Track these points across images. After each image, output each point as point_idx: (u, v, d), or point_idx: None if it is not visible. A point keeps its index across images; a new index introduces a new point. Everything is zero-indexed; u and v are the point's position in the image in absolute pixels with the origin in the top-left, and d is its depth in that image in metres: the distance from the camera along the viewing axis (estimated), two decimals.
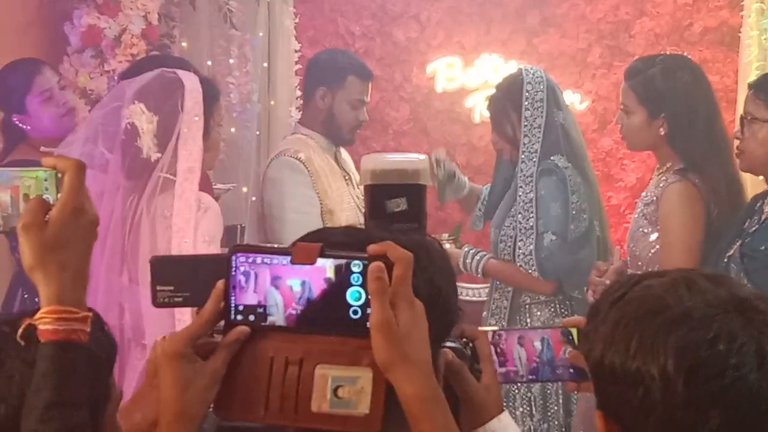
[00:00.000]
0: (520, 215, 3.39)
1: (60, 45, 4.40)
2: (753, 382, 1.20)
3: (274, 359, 1.10)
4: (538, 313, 3.47)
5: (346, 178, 3.67)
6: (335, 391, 1.08)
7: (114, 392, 1.33)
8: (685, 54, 4.11)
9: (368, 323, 1.08)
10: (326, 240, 1.16)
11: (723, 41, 5.05)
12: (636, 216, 3.19)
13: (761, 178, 2.97)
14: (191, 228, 2.58)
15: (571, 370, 1.64)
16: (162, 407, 1.14)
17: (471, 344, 1.39)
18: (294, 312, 1.10)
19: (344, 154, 3.76)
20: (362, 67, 3.69)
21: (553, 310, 3.46)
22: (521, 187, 3.40)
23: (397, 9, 5.25)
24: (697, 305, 1.24)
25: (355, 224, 1.33)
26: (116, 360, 1.37)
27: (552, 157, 3.40)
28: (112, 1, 4.36)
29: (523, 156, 3.41)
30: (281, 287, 1.10)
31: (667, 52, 4.86)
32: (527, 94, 3.42)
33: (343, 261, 1.09)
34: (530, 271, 3.36)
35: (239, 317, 1.12)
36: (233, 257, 1.11)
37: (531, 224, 3.36)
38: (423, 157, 1.46)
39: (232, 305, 1.12)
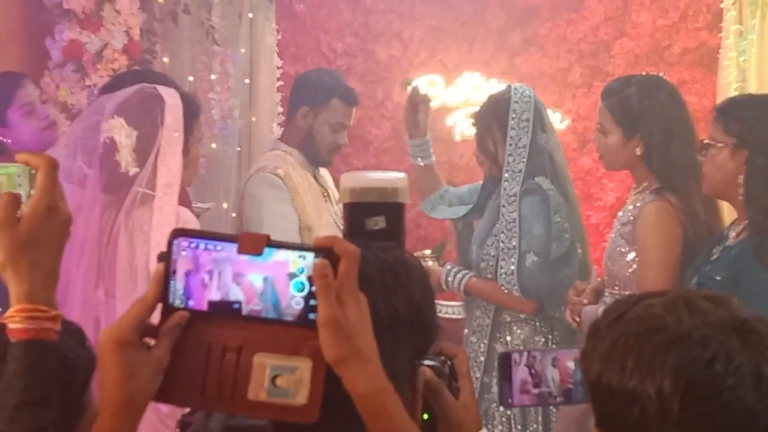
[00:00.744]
0: (502, 234, 3.39)
1: (41, 59, 4.40)
2: (749, 403, 1.20)
3: (212, 345, 1.09)
4: (518, 331, 3.47)
5: (325, 194, 3.67)
6: (273, 380, 1.08)
7: (91, 406, 1.33)
8: (662, 75, 4.14)
9: (310, 315, 1.07)
10: None
11: (702, 62, 5.09)
12: (613, 235, 3.20)
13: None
14: None
15: None
16: (106, 396, 1.11)
17: (449, 362, 1.39)
18: (256, 308, 1.09)
19: (323, 171, 3.76)
20: (348, 92, 3.68)
21: (533, 328, 3.47)
22: (504, 206, 3.40)
23: (379, 27, 5.27)
24: (696, 326, 1.24)
25: None
26: (93, 376, 1.35)
27: (536, 178, 3.41)
28: (94, 16, 4.36)
29: (506, 175, 3.41)
30: (242, 283, 1.09)
31: (646, 73, 4.92)
32: (514, 113, 3.42)
33: (288, 252, 1.08)
34: (512, 290, 3.36)
35: (177, 302, 1.10)
36: (174, 241, 1.10)
37: (514, 244, 3.37)
38: (402, 175, 1.46)
39: (171, 289, 1.10)
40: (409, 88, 3.72)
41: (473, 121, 3.62)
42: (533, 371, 1.63)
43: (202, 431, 1.35)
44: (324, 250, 1.08)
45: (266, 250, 1.08)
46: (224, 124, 4.85)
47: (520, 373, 1.68)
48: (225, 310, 1.09)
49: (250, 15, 4.93)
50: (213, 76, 4.88)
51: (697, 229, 2.97)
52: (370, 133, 5.28)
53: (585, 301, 3.15)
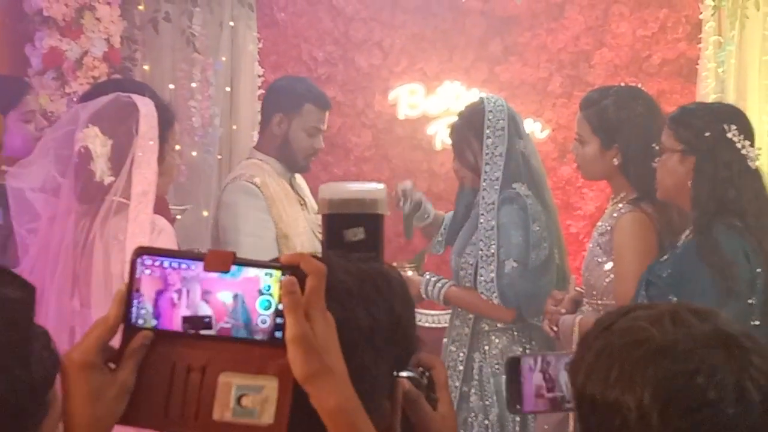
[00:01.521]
0: (481, 242, 3.40)
1: (21, 66, 4.38)
2: (730, 417, 1.21)
3: (175, 365, 1.07)
4: (497, 340, 3.48)
5: (302, 203, 3.67)
6: (239, 399, 1.06)
7: (54, 407, 1.31)
8: (640, 86, 4.16)
9: (276, 333, 1.06)
10: None
11: (681, 73, 5.12)
12: (591, 245, 3.22)
13: None
14: None
15: None
16: (70, 420, 1.09)
17: (427, 373, 1.39)
18: (226, 326, 1.07)
19: (299, 179, 3.77)
20: (320, 96, 3.70)
21: (511, 337, 3.48)
22: (483, 214, 3.42)
23: (360, 35, 5.27)
24: (680, 338, 1.25)
25: (313, 251, 1.33)
26: (56, 378, 1.34)
27: (513, 185, 3.42)
28: (74, 24, 4.35)
29: (484, 184, 3.43)
30: (211, 301, 1.07)
31: (626, 83, 4.95)
32: (489, 122, 3.44)
33: (254, 269, 1.07)
34: (491, 298, 3.37)
35: (140, 321, 1.08)
36: (138, 260, 1.08)
37: (492, 251, 3.38)
38: (381, 186, 1.47)
39: (134, 309, 1.08)
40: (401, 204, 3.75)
41: (450, 135, 3.63)
42: (547, 376, 1.63)
43: None
44: (291, 268, 1.07)
45: (233, 267, 1.07)
46: (205, 132, 4.85)
47: (535, 379, 1.68)
48: (190, 329, 1.07)
49: (231, 23, 4.93)
50: (193, 84, 4.87)
51: (672, 239, 2.99)
52: (350, 142, 5.29)
53: (563, 311, 3.17)
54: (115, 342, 1.10)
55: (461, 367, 3.49)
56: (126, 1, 4.62)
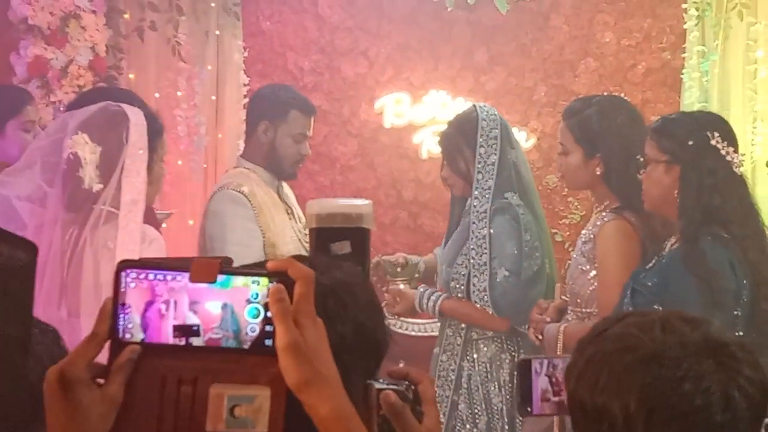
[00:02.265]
0: (473, 251, 3.40)
1: (5, 75, 4.38)
2: (717, 425, 1.22)
3: (166, 378, 1.05)
4: (485, 348, 3.48)
5: (289, 212, 3.67)
6: (232, 410, 1.04)
7: None
8: (623, 95, 4.19)
9: (266, 341, 1.05)
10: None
11: (665, 82, 5.15)
12: (575, 254, 3.22)
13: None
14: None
15: None
16: None
17: (414, 387, 1.40)
18: (215, 336, 1.05)
19: (286, 188, 3.76)
20: (305, 102, 3.69)
21: (499, 346, 3.48)
22: (474, 223, 3.42)
23: (345, 45, 5.28)
24: (669, 346, 1.26)
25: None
26: None
27: (506, 195, 3.42)
28: (59, 32, 4.35)
29: (476, 192, 3.43)
30: (199, 311, 1.05)
31: (610, 92, 4.98)
32: (482, 130, 3.44)
33: (242, 278, 1.06)
34: (485, 307, 3.38)
35: (127, 335, 1.06)
36: (122, 273, 1.06)
37: (484, 261, 3.38)
38: (367, 202, 1.48)
39: (120, 323, 1.06)
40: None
41: (440, 142, 3.63)
42: (553, 380, 1.63)
43: None
44: (278, 274, 1.06)
45: (219, 276, 1.05)
46: (190, 140, 4.85)
47: (541, 382, 1.69)
48: (179, 337, 1.06)
49: (217, 32, 4.95)
50: (179, 93, 4.88)
51: (656, 247, 3.00)
52: (336, 151, 5.29)
53: (548, 319, 3.17)
54: (102, 358, 1.09)
55: (453, 377, 3.49)
56: (111, 9, 4.62)
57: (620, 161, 3.07)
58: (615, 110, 3.19)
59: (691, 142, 2.81)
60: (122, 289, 1.06)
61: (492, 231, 3.38)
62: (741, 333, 2.66)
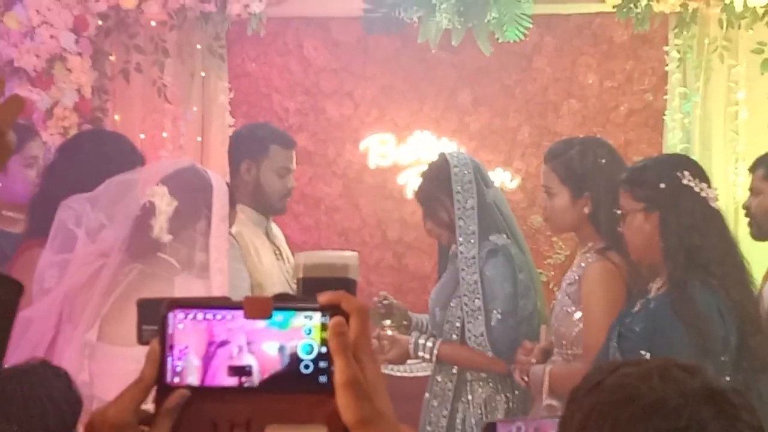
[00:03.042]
0: (466, 297, 3.38)
1: None
2: None
3: (217, 422, 1.01)
4: (480, 390, 3.46)
5: (277, 252, 3.67)
6: None
7: None
8: (599, 136, 4.22)
9: (321, 378, 1.00)
10: None
11: (648, 123, 5.19)
12: (560, 296, 3.22)
13: None
14: None
15: None
16: None
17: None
18: (270, 375, 1.01)
19: (275, 228, 3.77)
20: (283, 136, 3.72)
21: (494, 387, 3.47)
22: (464, 269, 3.40)
23: (331, 86, 5.31)
24: (669, 395, 1.26)
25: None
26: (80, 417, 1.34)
27: (490, 237, 3.42)
28: (45, 74, 4.37)
29: (461, 239, 3.41)
30: (256, 352, 1.01)
31: (593, 133, 5.02)
32: (455, 177, 3.44)
33: (299, 316, 1.02)
34: (485, 351, 3.37)
35: (176, 379, 1.02)
36: (169, 314, 1.02)
37: (478, 305, 3.37)
38: (353, 253, 1.49)
39: (168, 367, 1.02)
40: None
41: (417, 196, 3.62)
42: None
43: None
44: (332, 308, 1.02)
45: (292, 320, 1.01)
46: None
47: None
48: (233, 377, 1.02)
49: (203, 74, 4.96)
50: (164, 134, 4.89)
51: (640, 288, 3.01)
52: (321, 191, 5.30)
53: (533, 360, 3.17)
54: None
55: (444, 423, 3.47)
56: (97, 51, 4.64)
57: (607, 200, 3.08)
58: (599, 149, 3.22)
59: (663, 185, 2.83)
60: (170, 332, 1.02)
61: (487, 274, 3.38)
62: (728, 378, 2.66)
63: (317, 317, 1.02)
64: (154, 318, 1.23)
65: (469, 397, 3.47)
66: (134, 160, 3.12)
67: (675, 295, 2.74)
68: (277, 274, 3.57)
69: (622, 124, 5.21)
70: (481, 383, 3.47)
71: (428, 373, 3.65)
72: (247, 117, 5.23)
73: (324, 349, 1.01)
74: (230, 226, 2.95)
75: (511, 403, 3.46)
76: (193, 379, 1.02)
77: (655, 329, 2.74)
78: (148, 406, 1.04)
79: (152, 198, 2.67)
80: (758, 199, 3.59)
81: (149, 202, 2.68)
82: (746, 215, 3.62)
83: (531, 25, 4.71)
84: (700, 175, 2.89)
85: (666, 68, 4.94)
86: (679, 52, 4.82)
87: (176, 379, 1.02)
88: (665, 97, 4.95)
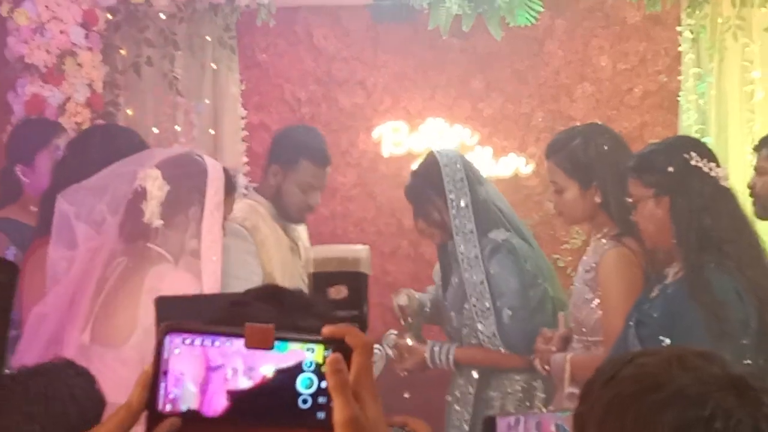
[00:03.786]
0: (473, 298, 3.35)
1: (3, 114, 4.38)
2: None
3: None
4: (505, 387, 3.44)
5: (294, 248, 3.65)
6: None
7: None
8: (598, 122, 4.18)
9: (319, 414, 0.97)
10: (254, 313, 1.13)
11: (662, 105, 5.15)
12: (577, 284, 3.20)
13: None
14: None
15: None
16: None
17: None
18: (261, 409, 0.98)
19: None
20: (318, 152, 3.61)
21: (520, 381, 3.43)
22: (467, 270, 3.36)
23: (342, 75, 5.29)
24: (690, 383, 1.24)
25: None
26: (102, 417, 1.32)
27: (490, 234, 3.39)
28: (56, 70, 4.36)
29: (458, 238, 3.37)
30: (254, 377, 0.98)
31: (607, 116, 4.99)
32: (446, 176, 3.40)
33: (297, 345, 0.99)
34: (499, 349, 3.34)
35: (168, 407, 0.98)
36: (166, 338, 0.98)
37: (488, 306, 3.34)
38: (365, 247, 1.48)
39: (160, 393, 0.98)
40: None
41: (408, 196, 3.57)
42: None
43: None
44: (335, 342, 0.98)
45: (289, 344, 0.98)
46: None
47: None
48: (228, 407, 0.98)
49: (213, 66, 4.95)
50: (177, 127, 4.88)
51: (658, 272, 2.98)
52: (335, 181, 5.28)
53: (553, 349, 3.15)
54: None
55: (467, 427, 3.44)
56: (107, 46, 4.63)
57: (615, 186, 3.05)
58: (600, 137, 3.18)
59: (671, 169, 2.81)
60: (165, 356, 0.98)
61: (492, 272, 3.34)
62: (749, 362, 2.64)
63: (319, 350, 0.98)
64: (172, 316, 1.22)
65: (492, 394, 3.44)
66: None
67: (691, 279, 2.72)
68: (290, 270, 3.55)
69: (636, 107, 5.17)
70: (505, 380, 3.43)
71: None
72: (259, 108, 5.22)
73: (324, 384, 0.97)
74: (228, 213, 2.90)
75: (537, 395, 3.42)
76: (188, 406, 0.98)
77: (674, 315, 2.73)
78: None
79: (144, 182, 2.63)
80: (763, 178, 3.56)
81: (141, 186, 2.63)
82: (750, 195, 3.60)
83: (542, 9, 4.69)
84: (708, 154, 2.86)
85: (679, 49, 4.91)
86: (692, 32, 4.79)
87: (168, 407, 0.98)
88: (679, 78, 4.92)
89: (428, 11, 4.72)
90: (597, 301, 3.08)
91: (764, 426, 1.23)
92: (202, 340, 0.98)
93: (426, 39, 5.11)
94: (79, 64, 4.40)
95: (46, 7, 4.33)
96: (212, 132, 4.97)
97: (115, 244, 2.64)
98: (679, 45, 4.89)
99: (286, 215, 3.62)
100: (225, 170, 2.83)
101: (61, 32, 4.36)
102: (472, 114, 5.25)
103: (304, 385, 0.98)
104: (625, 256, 3.05)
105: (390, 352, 3.60)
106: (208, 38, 4.90)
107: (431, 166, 3.45)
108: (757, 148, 3.66)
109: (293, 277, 3.52)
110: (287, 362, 0.98)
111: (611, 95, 5.19)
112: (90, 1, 4.46)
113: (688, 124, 4.78)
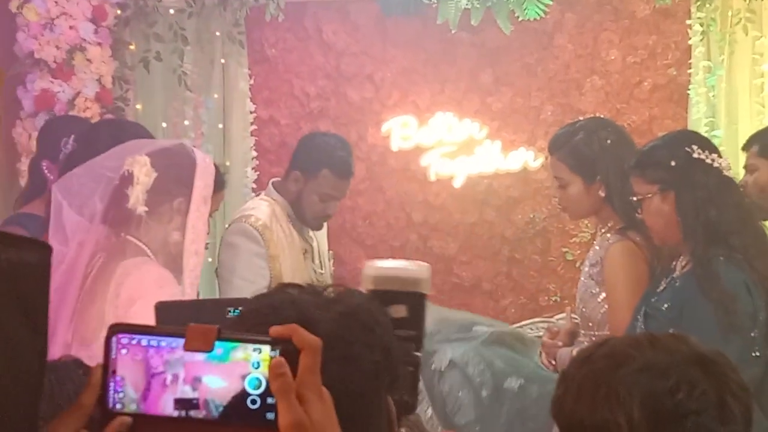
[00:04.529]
0: None
1: (13, 109, 4.40)
2: (714, 427, 1.29)
3: None
4: None
5: (307, 250, 3.64)
6: None
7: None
8: (600, 116, 4.15)
9: (268, 414, 0.96)
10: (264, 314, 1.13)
11: (672, 98, 5.13)
12: (583, 278, 3.19)
13: None
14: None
15: None
16: None
17: None
18: (214, 408, 0.98)
19: None
20: (341, 164, 3.58)
21: None
22: None
23: (351, 69, 5.29)
24: (659, 357, 1.32)
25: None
26: None
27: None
28: (65, 65, 4.37)
29: None
30: (199, 388, 0.97)
31: (617, 110, 4.97)
32: None
33: (242, 349, 0.98)
34: None
35: (118, 406, 0.98)
36: (113, 338, 0.98)
37: None
38: (425, 265, 1.47)
39: (110, 392, 0.98)
40: None
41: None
42: None
43: None
44: (282, 342, 0.97)
45: (217, 343, 0.97)
46: None
47: None
48: (180, 411, 0.98)
49: (223, 61, 4.96)
50: (186, 122, 4.90)
51: (664, 265, 2.98)
52: None
53: (560, 344, 3.15)
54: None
55: None
56: (117, 41, 4.65)
57: (618, 180, 3.04)
58: (602, 131, 3.16)
59: (674, 163, 2.80)
60: (113, 356, 0.99)
61: None
62: (758, 354, 2.64)
63: (266, 350, 0.98)
64: (171, 321, 1.22)
65: None
66: None
67: (700, 272, 2.72)
68: (300, 273, 3.52)
69: (646, 100, 5.15)
70: None
71: None
72: (268, 103, 5.22)
73: (272, 389, 0.97)
74: (215, 210, 2.88)
75: None
76: (135, 407, 0.98)
77: (682, 308, 2.72)
78: None
79: (132, 167, 2.59)
80: (753, 176, 3.54)
81: (128, 171, 2.59)
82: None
83: (551, 2, 4.68)
84: (709, 146, 2.86)
85: (689, 42, 4.90)
86: (701, 25, 4.77)
87: (119, 406, 0.99)
88: (689, 71, 4.91)
89: (437, 5, 4.72)
90: (603, 295, 3.07)
91: (730, 399, 1.31)
92: (148, 341, 0.99)
93: (435, 33, 5.11)
94: (88, 60, 4.42)
95: (56, 2, 4.35)
96: (221, 127, 4.98)
97: (99, 236, 2.60)
98: (689, 38, 4.88)
99: (302, 220, 3.60)
100: (216, 166, 2.81)
101: (71, 28, 4.38)
102: (481, 108, 5.24)
103: (252, 385, 0.97)
104: (630, 249, 3.04)
105: None
106: (218, 33, 4.92)
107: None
108: (746, 147, 3.64)
109: (304, 280, 3.50)
110: (229, 368, 0.97)
111: (621, 89, 5.17)
112: None
113: (697, 117, 4.77)
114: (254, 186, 4.98)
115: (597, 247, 3.16)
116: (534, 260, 5.23)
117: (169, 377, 0.98)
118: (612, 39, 5.17)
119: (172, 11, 4.75)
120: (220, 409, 0.97)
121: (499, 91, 5.25)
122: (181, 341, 0.98)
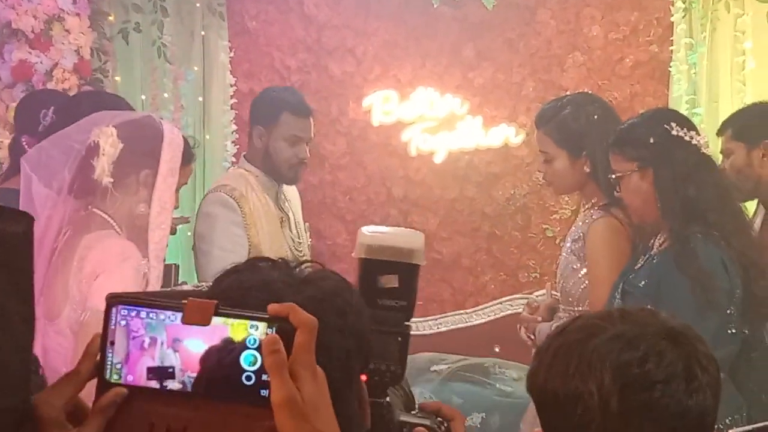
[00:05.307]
0: None
1: None
2: (681, 397, 1.33)
3: (154, 426, 0.98)
4: None
5: (283, 219, 3.63)
6: None
7: None
8: (588, 91, 4.14)
9: (263, 391, 0.98)
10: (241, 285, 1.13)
11: (653, 75, 5.13)
12: (564, 253, 3.20)
13: None
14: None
15: None
16: None
17: (446, 424, 1.40)
18: (192, 376, 0.99)
19: (290, 193, 3.73)
20: (298, 103, 3.62)
21: None
22: None
23: (332, 43, 5.26)
24: (629, 329, 1.37)
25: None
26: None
27: None
28: (43, 36, 4.32)
29: None
30: (180, 349, 0.99)
31: (599, 86, 4.97)
32: None
33: (238, 321, 0.99)
34: None
35: (114, 377, 0.99)
36: (113, 309, 0.99)
37: None
38: (420, 234, 1.45)
39: (108, 362, 0.99)
40: None
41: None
42: None
43: None
44: (278, 320, 0.99)
45: (214, 319, 0.99)
46: None
47: None
48: (154, 380, 0.99)
49: (203, 33, 4.93)
50: (165, 95, 4.86)
51: (645, 243, 2.98)
52: (324, 149, 5.26)
53: (539, 319, 3.16)
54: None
55: None
56: (95, 12, 4.60)
57: (604, 156, 3.04)
58: (590, 106, 3.17)
59: (652, 140, 2.81)
60: (112, 326, 1.00)
61: None
62: (734, 331, 2.65)
63: (262, 327, 0.99)
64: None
65: None
66: None
67: (677, 249, 2.73)
68: (278, 242, 3.54)
69: (627, 77, 5.14)
70: None
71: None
72: (248, 76, 5.19)
73: (266, 366, 0.98)
74: (183, 183, 2.87)
75: None
76: (131, 378, 0.99)
77: (659, 284, 2.73)
78: None
79: (98, 138, 2.58)
80: (729, 159, 3.55)
81: (94, 141, 2.58)
82: None
83: None
84: (688, 124, 2.87)
85: (671, 19, 4.89)
86: (684, 2, 4.77)
87: (115, 377, 1.00)
88: (671, 48, 4.90)
89: None
90: (584, 270, 3.08)
91: (697, 369, 1.36)
92: (147, 313, 1.00)
93: (417, 7, 5.09)
94: (66, 30, 4.37)
95: None
96: (201, 99, 4.95)
97: (67, 210, 2.59)
98: (672, 15, 4.87)
99: (278, 176, 3.60)
100: (184, 138, 2.79)
101: None
102: (462, 83, 5.23)
103: (248, 361, 0.98)
104: (614, 226, 3.05)
105: None
106: (198, 5, 4.88)
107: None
108: (720, 132, 3.64)
109: (281, 249, 3.51)
110: (212, 338, 0.98)
111: (602, 65, 5.16)
112: None
113: (678, 95, 4.77)
114: (234, 160, 4.94)
115: (580, 223, 3.17)
116: (514, 236, 5.23)
117: (161, 346, 0.99)
118: (594, 15, 5.16)
119: None
120: (218, 384, 0.98)
121: (481, 66, 5.23)
122: (179, 315, 0.99)
